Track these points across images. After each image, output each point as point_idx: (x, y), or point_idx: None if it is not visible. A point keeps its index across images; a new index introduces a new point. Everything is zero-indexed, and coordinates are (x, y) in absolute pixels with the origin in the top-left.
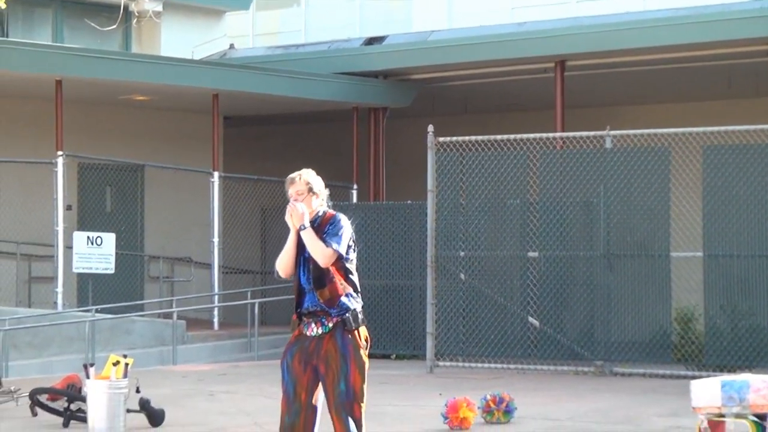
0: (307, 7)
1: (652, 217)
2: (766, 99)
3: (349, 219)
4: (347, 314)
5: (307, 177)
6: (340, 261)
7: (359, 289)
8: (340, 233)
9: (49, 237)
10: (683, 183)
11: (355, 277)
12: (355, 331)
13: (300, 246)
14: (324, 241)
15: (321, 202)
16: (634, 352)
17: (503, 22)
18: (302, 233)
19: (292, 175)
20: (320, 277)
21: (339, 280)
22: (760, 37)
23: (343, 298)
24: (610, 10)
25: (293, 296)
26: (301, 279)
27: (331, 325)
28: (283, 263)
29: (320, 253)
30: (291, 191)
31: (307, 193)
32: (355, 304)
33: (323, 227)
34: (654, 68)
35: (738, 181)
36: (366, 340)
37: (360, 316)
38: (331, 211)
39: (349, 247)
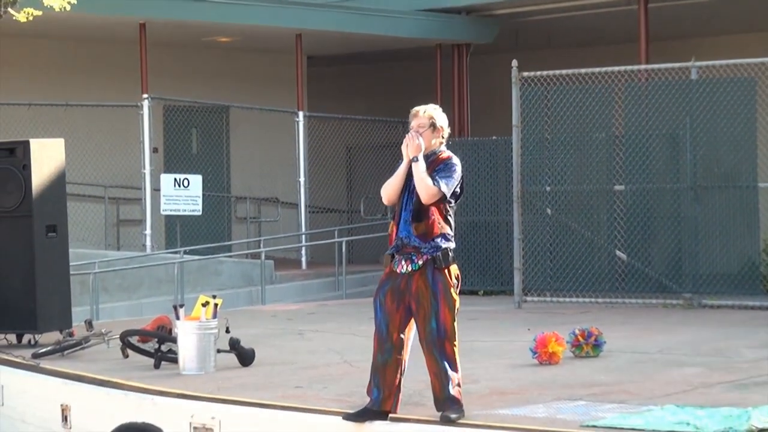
0: None
1: (739, 148)
2: None
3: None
4: (437, 252)
5: (431, 112)
6: (442, 202)
7: (453, 234)
8: (450, 176)
9: (137, 180)
10: None
11: (452, 221)
12: (446, 269)
13: (408, 177)
14: (433, 178)
15: (441, 141)
16: (723, 284)
17: None
18: (413, 165)
19: (416, 108)
20: (420, 212)
21: (438, 219)
22: None
23: (437, 237)
24: None
25: (387, 232)
26: (402, 209)
27: (420, 262)
28: (389, 190)
29: (425, 189)
30: (413, 124)
31: (428, 128)
32: (447, 244)
33: (435, 165)
34: None
35: None
36: (457, 278)
37: (451, 254)
38: (448, 153)
39: (454, 192)
